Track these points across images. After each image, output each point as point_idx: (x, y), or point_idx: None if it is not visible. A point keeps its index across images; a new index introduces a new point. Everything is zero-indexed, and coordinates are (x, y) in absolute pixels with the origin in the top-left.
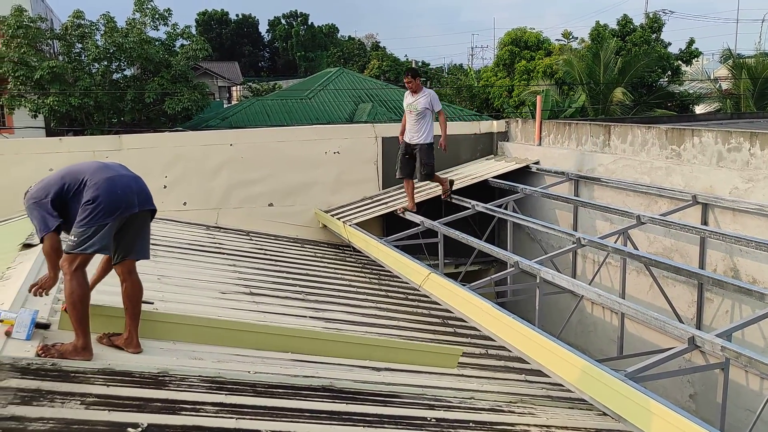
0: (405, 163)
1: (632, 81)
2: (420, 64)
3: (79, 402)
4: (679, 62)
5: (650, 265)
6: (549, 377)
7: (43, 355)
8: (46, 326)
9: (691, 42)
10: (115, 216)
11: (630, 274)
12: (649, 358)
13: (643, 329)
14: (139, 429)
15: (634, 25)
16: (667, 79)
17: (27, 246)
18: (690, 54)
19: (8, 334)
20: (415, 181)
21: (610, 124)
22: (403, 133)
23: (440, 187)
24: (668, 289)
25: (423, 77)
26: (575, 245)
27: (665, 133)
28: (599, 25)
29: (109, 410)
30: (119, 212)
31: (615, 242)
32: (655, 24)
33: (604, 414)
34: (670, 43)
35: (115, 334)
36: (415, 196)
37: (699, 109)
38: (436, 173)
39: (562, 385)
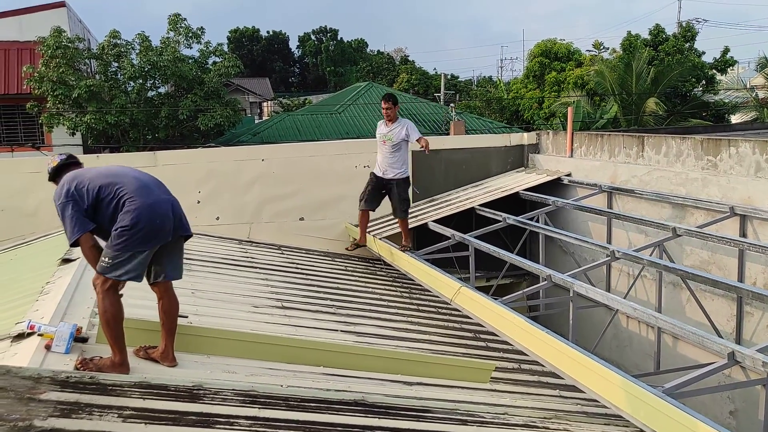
0: (372, 195)
1: (665, 91)
2: (449, 76)
3: (116, 415)
4: (714, 71)
5: (687, 279)
6: (584, 393)
7: (81, 368)
8: (84, 340)
9: (726, 50)
10: (151, 245)
11: (666, 288)
12: (687, 374)
13: (681, 344)
14: None
15: (666, 34)
16: (701, 89)
17: (66, 261)
18: (725, 63)
19: (48, 347)
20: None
21: (643, 134)
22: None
23: (402, 232)
24: (706, 303)
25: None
26: (609, 258)
27: (701, 143)
28: (631, 35)
29: (145, 423)
30: (156, 241)
31: (650, 255)
32: (688, 33)
33: (641, 431)
34: (704, 52)
35: (151, 347)
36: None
37: (735, 119)
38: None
39: (598, 401)
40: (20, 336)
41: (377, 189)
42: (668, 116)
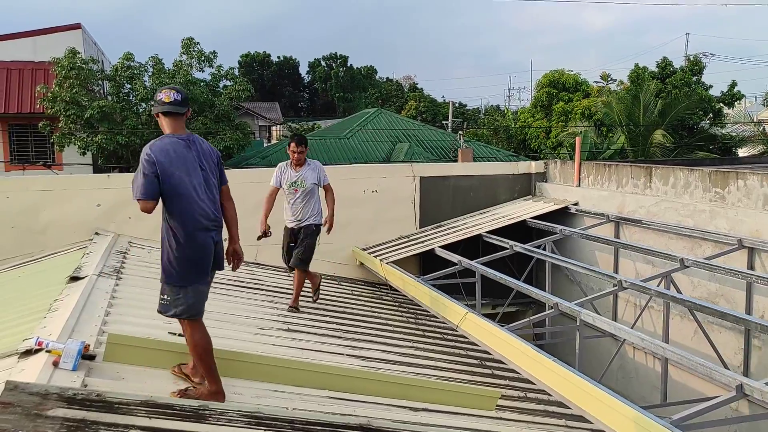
0: (290, 250)
1: (672, 123)
2: (457, 104)
3: None
4: (721, 105)
5: (695, 310)
6: (591, 423)
7: (181, 397)
8: (92, 357)
9: (733, 84)
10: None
11: (673, 319)
12: (694, 406)
13: (688, 376)
14: None
15: (674, 67)
16: (708, 122)
17: (74, 279)
18: (732, 96)
19: (56, 364)
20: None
21: (651, 165)
22: (266, 216)
23: (311, 283)
24: (713, 335)
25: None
26: (616, 288)
27: (709, 175)
28: (638, 67)
29: None
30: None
31: (658, 285)
32: (695, 66)
33: None
34: (711, 86)
35: (184, 363)
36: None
37: (742, 152)
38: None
39: None
40: (28, 352)
41: (292, 242)
42: (675, 148)
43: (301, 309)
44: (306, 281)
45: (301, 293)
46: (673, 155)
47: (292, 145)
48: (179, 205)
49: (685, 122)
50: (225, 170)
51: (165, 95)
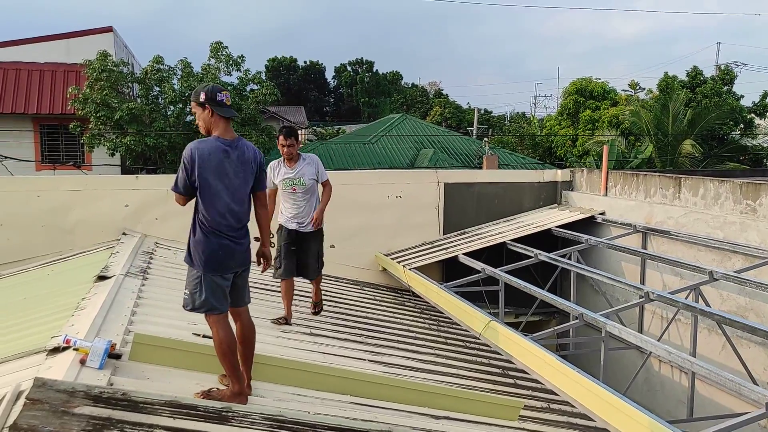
0: (291, 257)
1: (702, 133)
2: (483, 111)
3: None
4: (753, 115)
5: (723, 324)
6: None
7: (203, 398)
8: (118, 356)
9: (765, 95)
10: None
11: (701, 333)
12: (722, 422)
13: (715, 391)
14: None
15: (704, 76)
16: (739, 132)
17: (102, 278)
18: (764, 107)
19: (83, 362)
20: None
21: (680, 176)
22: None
23: (315, 290)
24: (742, 350)
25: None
26: (643, 299)
27: (740, 187)
28: (668, 76)
29: None
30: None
31: (686, 298)
32: (726, 76)
33: None
34: (742, 96)
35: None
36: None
37: None
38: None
39: None
40: (56, 350)
41: (293, 246)
42: (705, 159)
43: (323, 314)
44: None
45: (292, 310)
46: (703, 166)
47: (280, 138)
48: (205, 207)
49: (715, 132)
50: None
51: (226, 97)
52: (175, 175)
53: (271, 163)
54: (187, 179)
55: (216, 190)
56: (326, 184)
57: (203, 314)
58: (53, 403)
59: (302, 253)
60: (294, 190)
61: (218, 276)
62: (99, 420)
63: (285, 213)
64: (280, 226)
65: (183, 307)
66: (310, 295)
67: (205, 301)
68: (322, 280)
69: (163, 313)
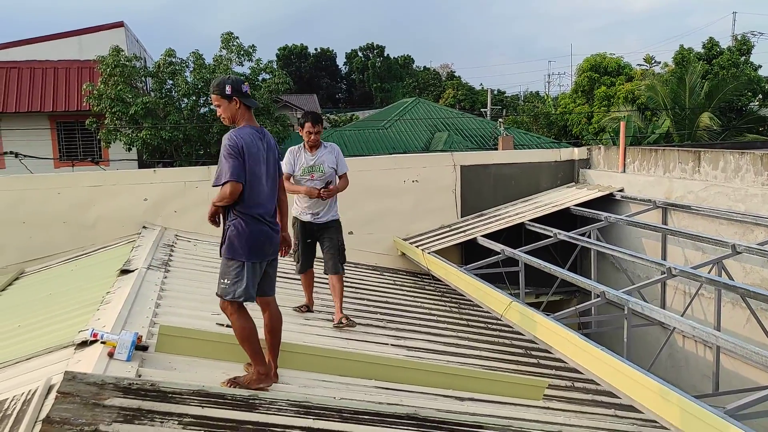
0: (308, 251)
1: (720, 105)
2: (496, 92)
3: (176, 422)
4: None
5: (747, 297)
6: (642, 413)
7: (230, 386)
8: (144, 348)
9: None
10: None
11: (725, 306)
12: (749, 395)
13: (740, 365)
14: None
15: (720, 48)
16: (758, 103)
17: (125, 272)
18: None
19: (110, 355)
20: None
21: (699, 149)
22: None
23: (336, 297)
24: (767, 322)
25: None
26: (665, 275)
27: (760, 158)
28: (683, 48)
29: (205, 430)
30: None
31: (708, 272)
32: (743, 46)
33: None
34: (760, 66)
35: (248, 363)
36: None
37: None
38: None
39: (656, 422)
40: (84, 343)
41: (308, 239)
42: (723, 131)
43: (344, 300)
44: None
45: (314, 297)
46: (721, 138)
47: (308, 125)
48: (250, 195)
49: (733, 104)
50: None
51: (248, 88)
52: (220, 168)
53: (291, 149)
54: (242, 164)
55: (258, 177)
56: (344, 177)
57: (229, 303)
58: (84, 395)
59: (323, 246)
60: (312, 177)
61: (258, 264)
62: (129, 411)
63: (300, 204)
64: (295, 219)
65: (222, 296)
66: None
67: (245, 290)
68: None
69: (187, 304)
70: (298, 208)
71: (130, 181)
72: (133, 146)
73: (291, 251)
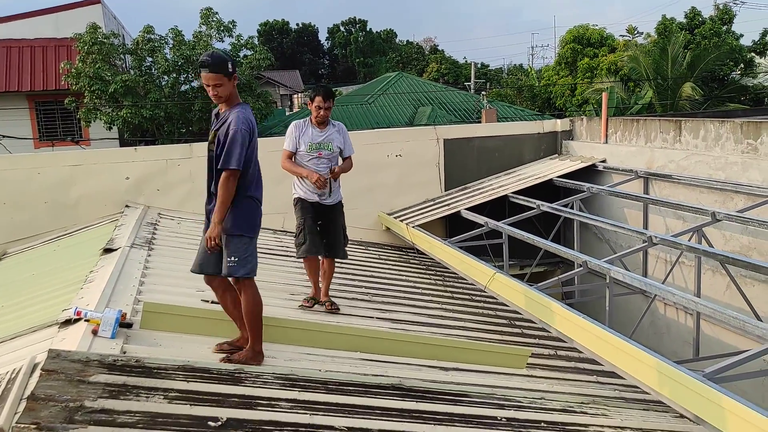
0: (317, 233)
1: (702, 75)
2: (479, 65)
3: (162, 396)
4: (753, 54)
5: (727, 264)
6: (623, 379)
7: (226, 361)
8: (129, 325)
9: (765, 33)
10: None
11: (705, 274)
12: (727, 359)
13: (720, 330)
14: (219, 423)
15: (703, 17)
16: (739, 72)
17: (108, 251)
18: (764, 45)
19: (95, 332)
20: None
21: (681, 119)
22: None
23: (326, 279)
24: (746, 288)
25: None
26: (647, 244)
27: (740, 126)
28: (666, 18)
29: (190, 405)
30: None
31: (689, 240)
32: (725, 15)
33: (682, 416)
34: (742, 35)
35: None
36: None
37: None
38: None
39: (637, 387)
40: (67, 322)
41: (319, 221)
42: (705, 101)
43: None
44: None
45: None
46: (703, 108)
47: (318, 99)
48: (257, 176)
49: (715, 74)
50: None
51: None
52: (233, 151)
53: (296, 123)
54: (247, 151)
55: (257, 158)
56: (349, 159)
57: (241, 279)
58: (68, 372)
59: (327, 229)
60: (320, 155)
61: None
62: (114, 386)
63: (305, 183)
64: (299, 200)
65: (234, 275)
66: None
67: (255, 265)
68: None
69: (171, 281)
70: (302, 188)
71: (111, 160)
72: (113, 125)
73: (296, 232)
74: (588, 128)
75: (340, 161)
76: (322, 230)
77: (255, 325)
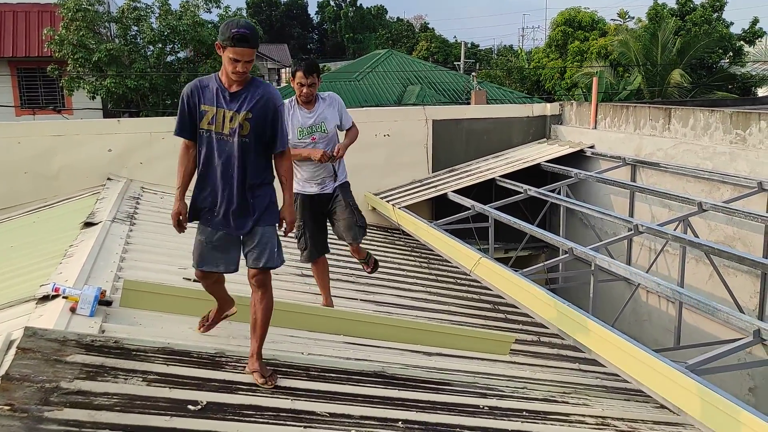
0: (318, 230)
1: (691, 62)
2: (469, 45)
3: (141, 379)
4: (742, 42)
5: (712, 254)
6: (604, 367)
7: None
8: (108, 303)
9: (755, 21)
10: None
11: (689, 263)
12: (710, 350)
13: (701, 319)
14: (199, 406)
15: (694, 3)
16: (728, 61)
17: (88, 224)
18: (753, 34)
19: (73, 310)
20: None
21: (670, 107)
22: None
23: (359, 257)
24: (729, 278)
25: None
26: (632, 232)
27: (730, 116)
28: (657, 4)
29: (170, 387)
30: None
31: (674, 229)
32: (716, 2)
33: (663, 406)
34: (732, 23)
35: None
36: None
37: (762, 92)
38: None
39: (618, 376)
40: (45, 298)
41: (318, 217)
42: (693, 88)
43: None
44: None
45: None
46: (691, 95)
47: (299, 75)
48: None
49: (704, 61)
50: None
51: None
52: (283, 132)
53: (287, 103)
54: None
55: None
56: (351, 129)
57: (269, 271)
58: (45, 351)
59: (333, 216)
60: (314, 139)
61: None
62: (92, 368)
63: (299, 174)
64: (296, 195)
65: (273, 267)
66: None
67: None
68: None
69: (153, 258)
70: (298, 178)
71: (94, 131)
72: (97, 95)
73: (293, 234)
74: (577, 113)
75: (342, 137)
76: (330, 219)
77: (266, 329)
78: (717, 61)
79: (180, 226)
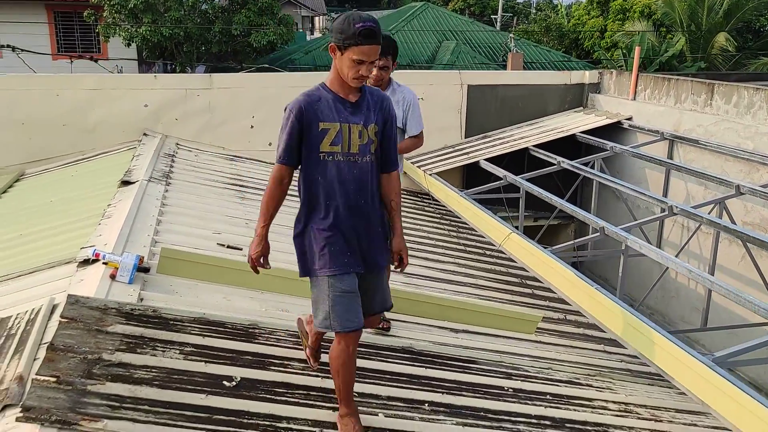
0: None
1: (738, 25)
2: None
3: (178, 351)
4: None
5: (747, 242)
6: (627, 349)
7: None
8: (146, 269)
9: None
10: None
11: (721, 242)
12: (739, 334)
13: (730, 301)
14: (233, 383)
15: None
16: None
17: (125, 183)
18: None
19: (113, 276)
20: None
21: (714, 82)
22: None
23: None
24: (762, 261)
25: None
26: (666, 213)
27: None
28: None
29: (205, 362)
30: None
31: (709, 213)
32: None
33: (685, 394)
34: None
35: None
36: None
37: None
38: None
39: (638, 358)
40: (86, 261)
41: None
42: (738, 53)
43: None
44: None
45: None
46: (735, 60)
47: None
48: None
49: (751, 24)
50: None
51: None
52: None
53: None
54: None
55: None
56: (421, 137)
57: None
58: (87, 321)
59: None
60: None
61: None
62: (132, 338)
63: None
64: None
65: (391, 307)
66: None
67: None
68: None
69: (188, 221)
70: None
71: (130, 86)
72: (132, 42)
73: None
74: (617, 83)
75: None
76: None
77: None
78: (765, 24)
79: (256, 269)
